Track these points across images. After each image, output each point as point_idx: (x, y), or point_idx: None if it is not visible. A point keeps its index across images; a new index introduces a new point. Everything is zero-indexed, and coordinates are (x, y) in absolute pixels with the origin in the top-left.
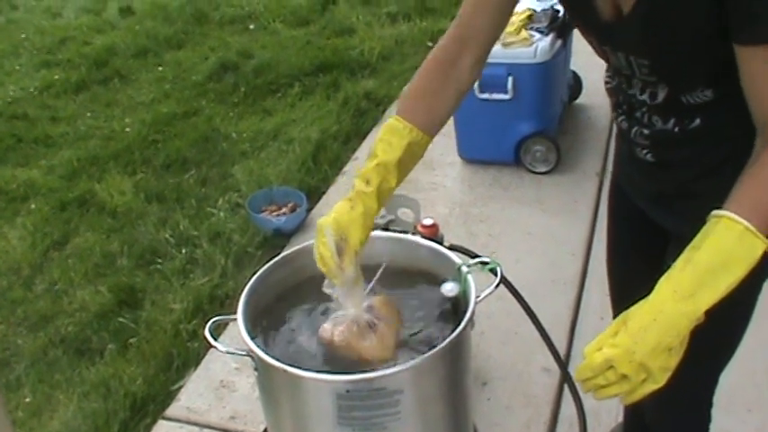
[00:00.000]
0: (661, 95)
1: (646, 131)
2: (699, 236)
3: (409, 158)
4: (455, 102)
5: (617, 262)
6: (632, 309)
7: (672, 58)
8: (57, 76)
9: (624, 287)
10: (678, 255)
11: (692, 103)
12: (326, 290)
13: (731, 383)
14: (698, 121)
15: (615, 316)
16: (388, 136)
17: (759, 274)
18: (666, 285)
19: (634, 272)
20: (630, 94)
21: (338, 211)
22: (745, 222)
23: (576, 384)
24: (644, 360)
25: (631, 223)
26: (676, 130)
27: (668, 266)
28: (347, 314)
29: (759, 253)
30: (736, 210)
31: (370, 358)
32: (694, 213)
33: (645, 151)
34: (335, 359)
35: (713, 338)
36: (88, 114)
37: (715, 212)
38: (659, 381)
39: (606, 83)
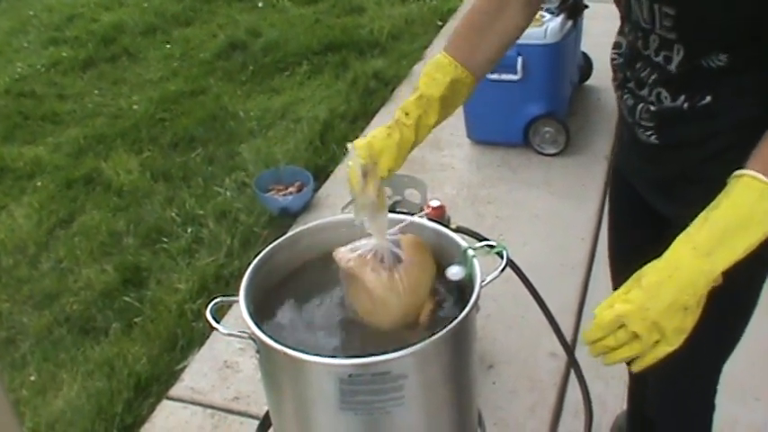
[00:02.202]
0: (675, 60)
1: (653, 108)
2: (719, 195)
3: (453, 96)
4: (502, 43)
5: (618, 252)
6: (647, 266)
7: (700, 7)
8: (64, 54)
9: (626, 278)
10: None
11: (706, 69)
12: (348, 213)
13: (739, 371)
14: (708, 98)
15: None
16: (432, 70)
17: (762, 261)
18: (683, 242)
19: (636, 263)
20: (644, 56)
21: (374, 136)
22: (767, 180)
23: (581, 368)
24: (658, 318)
25: (633, 213)
26: (685, 107)
27: None
28: (368, 243)
29: None
30: (759, 168)
31: (373, 297)
32: (698, 199)
33: (649, 132)
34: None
35: (716, 325)
36: (95, 92)
37: (736, 172)
38: (673, 342)
39: (613, 59)
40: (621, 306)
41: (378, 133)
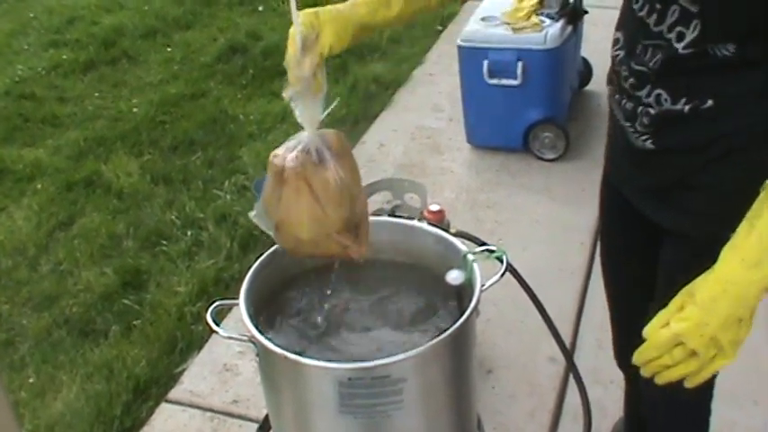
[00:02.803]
0: (688, 38)
1: (652, 112)
2: (757, 203)
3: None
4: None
5: (609, 257)
6: (697, 281)
7: None
8: (65, 56)
9: (620, 287)
10: (676, 252)
11: (711, 58)
12: (285, 94)
13: (738, 376)
14: (710, 102)
15: (612, 312)
16: None
17: None
18: (732, 254)
19: (627, 268)
20: (654, 33)
21: (326, 8)
22: None
23: (580, 373)
24: (715, 333)
25: (622, 218)
26: (686, 110)
27: (664, 263)
28: (300, 138)
29: None
30: None
31: (325, 195)
32: (695, 207)
33: (644, 137)
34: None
35: None
36: (96, 95)
37: None
38: (730, 356)
39: (614, 56)
40: (678, 325)
41: (331, 7)
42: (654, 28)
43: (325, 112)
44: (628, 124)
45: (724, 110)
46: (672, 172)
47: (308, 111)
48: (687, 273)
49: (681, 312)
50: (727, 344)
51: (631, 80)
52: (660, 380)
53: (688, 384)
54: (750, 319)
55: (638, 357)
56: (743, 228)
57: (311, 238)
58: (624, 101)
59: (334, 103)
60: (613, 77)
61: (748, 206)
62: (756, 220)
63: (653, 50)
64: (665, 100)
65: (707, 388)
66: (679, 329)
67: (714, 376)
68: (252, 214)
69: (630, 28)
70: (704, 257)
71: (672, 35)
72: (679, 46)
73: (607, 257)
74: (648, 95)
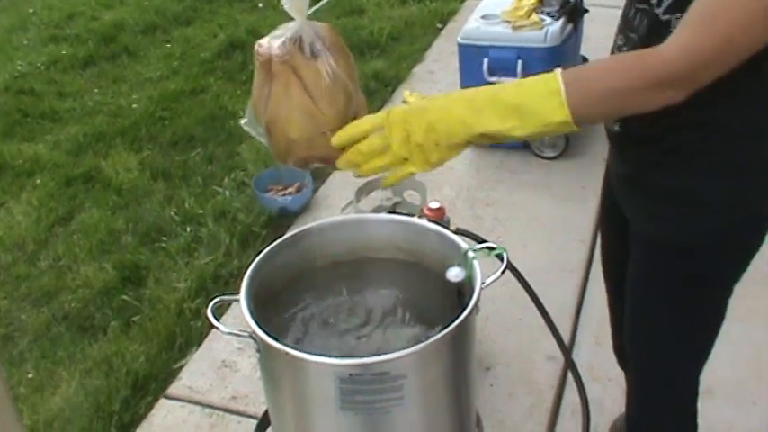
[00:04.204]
0: (666, 2)
1: None
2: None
3: None
4: None
5: (605, 256)
6: (437, 96)
7: None
8: (64, 52)
9: (616, 285)
10: (635, 245)
11: (669, 33)
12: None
13: (736, 376)
14: None
15: (610, 310)
16: None
17: (720, 276)
18: (469, 91)
19: (623, 270)
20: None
21: None
22: (563, 88)
23: (578, 371)
24: (413, 135)
25: (619, 219)
26: None
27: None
28: (288, 27)
29: (556, 120)
30: (567, 75)
31: (316, 88)
32: (641, 206)
33: (615, 124)
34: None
35: (682, 338)
36: (95, 90)
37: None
38: (418, 165)
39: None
40: (384, 118)
41: None
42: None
43: (320, 3)
44: None
45: (685, 102)
46: (632, 161)
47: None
48: (638, 273)
49: (396, 108)
50: (417, 154)
51: (624, 49)
52: (360, 171)
53: (384, 184)
54: (447, 153)
55: (340, 136)
56: (502, 84)
57: (303, 137)
58: None
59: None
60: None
61: (698, 216)
62: (509, 85)
63: (641, 15)
64: None
65: (686, 391)
66: (383, 121)
67: (692, 380)
68: (243, 122)
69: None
70: (652, 259)
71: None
72: (659, 11)
73: (605, 256)
74: None
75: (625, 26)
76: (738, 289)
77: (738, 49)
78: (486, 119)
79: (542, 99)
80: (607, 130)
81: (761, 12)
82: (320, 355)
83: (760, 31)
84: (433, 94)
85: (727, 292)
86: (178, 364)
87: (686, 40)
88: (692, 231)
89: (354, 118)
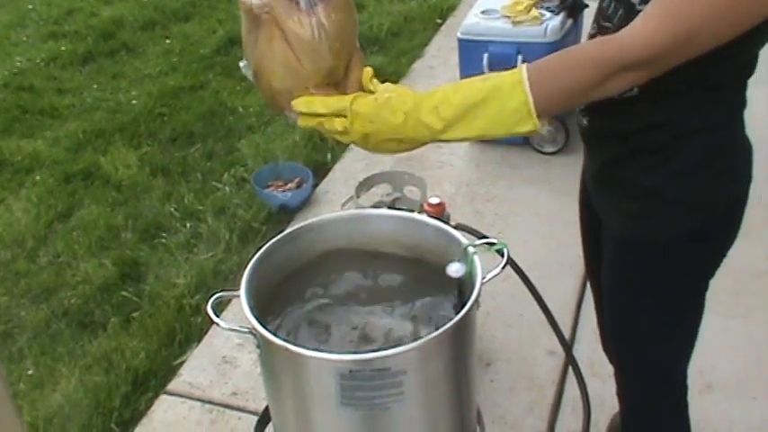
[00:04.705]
0: None
1: None
2: (505, 74)
3: None
4: None
5: (587, 256)
6: (399, 88)
7: None
8: (63, 48)
9: (598, 285)
10: (607, 243)
11: None
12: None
13: (736, 372)
14: (635, 89)
15: (596, 308)
16: None
17: (696, 272)
18: (439, 94)
19: (599, 258)
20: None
21: None
22: (530, 96)
23: (579, 366)
24: (370, 135)
25: (586, 210)
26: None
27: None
28: None
29: (522, 130)
30: (532, 68)
31: (297, 46)
32: (609, 203)
33: (583, 112)
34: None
35: (661, 334)
36: (94, 86)
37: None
38: (370, 151)
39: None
40: (355, 106)
41: None
42: None
43: None
44: None
45: (646, 101)
46: (598, 158)
47: None
48: (611, 271)
49: (363, 96)
50: (373, 143)
51: (597, 37)
52: (302, 122)
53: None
54: (409, 146)
55: (303, 107)
56: (471, 81)
57: (285, 89)
58: None
59: None
60: None
61: (665, 212)
62: (477, 82)
63: (616, 4)
64: None
65: (674, 386)
66: (347, 106)
67: (678, 373)
68: (242, 64)
69: None
70: (623, 257)
71: None
72: (635, 1)
73: (586, 255)
74: None
75: (599, 15)
76: (737, 286)
77: (701, 42)
78: (454, 127)
79: (509, 102)
80: (578, 123)
81: (724, 8)
82: (320, 350)
83: (723, 27)
84: (397, 87)
85: (701, 287)
86: (178, 361)
87: (649, 29)
88: (660, 229)
89: (346, 74)
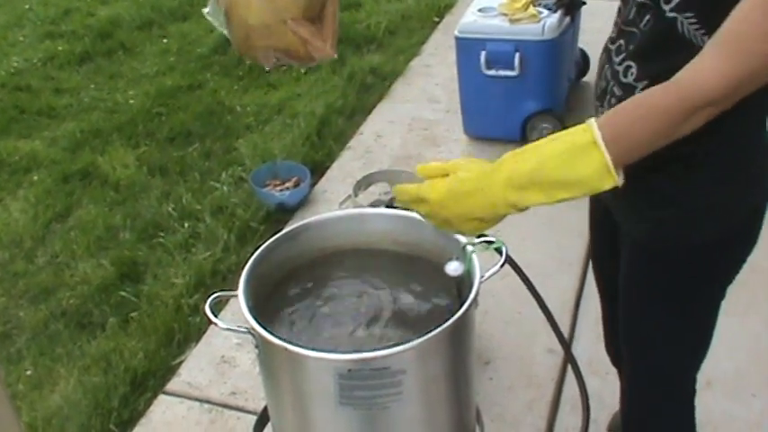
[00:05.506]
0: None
1: (617, 93)
2: (565, 133)
3: None
4: None
5: (595, 259)
6: (472, 162)
7: None
8: (60, 48)
9: (605, 286)
10: (626, 247)
11: (690, 46)
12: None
13: (736, 368)
14: None
15: (602, 309)
16: None
17: (712, 279)
18: (507, 166)
19: (611, 272)
20: None
21: None
22: (606, 154)
23: (578, 364)
24: (450, 218)
25: (607, 221)
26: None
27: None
28: None
29: (604, 186)
30: (606, 133)
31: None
32: (631, 209)
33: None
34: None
35: (675, 340)
36: (92, 86)
37: (589, 120)
38: (463, 231)
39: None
40: (426, 192)
41: None
42: None
43: None
44: (597, 104)
45: None
46: None
47: None
48: (629, 274)
49: (438, 182)
50: (457, 227)
51: (620, 42)
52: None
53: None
54: (494, 222)
55: (394, 191)
56: (532, 147)
57: (262, 24)
58: (602, 72)
59: None
60: (602, 54)
61: (688, 220)
62: (547, 146)
63: (642, 10)
64: (631, 74)
65: (684, 390)
66: (425, 196)
67: (689, 379)
68: (205, 10)
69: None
70: (643, 261)
71: None
72: (666, 8)
73: (593, 256)
74: (621, 63)
75: (620, 19)
76: (737, 283)
77: None
78: (530, 195)
79: (586, 167)
80: None
81: None
82: (319, 350)
83: None
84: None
85: (719, 294)
86: (177, 360)
87: (722, 69)
88: (681, 236)
89: (323, 8)
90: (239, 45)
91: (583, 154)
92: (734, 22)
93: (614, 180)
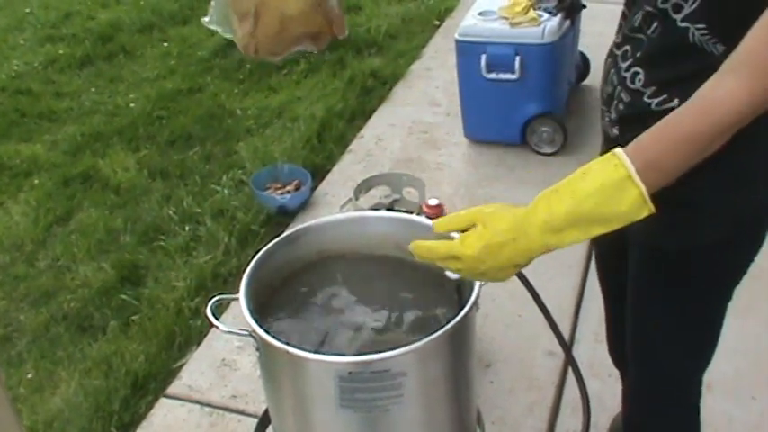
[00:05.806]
0: (686, 10)
1: (625, 98)
2: (593, 164)
3: None
4: None
5: (601, 262)
6: (500, 210)
7: None
8: (61, 51)
9: (610, 289)
10: (634, 248)
11: (702, 55)
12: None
13: (735, 370)
14: (676, 101)
15: (605, 312)
16: None
17: (719, 283)
18: (542, 210)
19: (617, 275)
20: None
21: None
22: (641, 186)
23: (578, 367)
24: (487, 272)
25: None
26: (653, 104)
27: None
28: None
29: (641, 216)
30: (639, 164)
31: None
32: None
33: (612, 122)
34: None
35: (684, 343)
36: (92, 90)
37: (616, 150)
38: (497, 279)
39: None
40: (460, 250)
41: None
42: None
43: None
44: (604, 108)
45: None
46: None
47: None
48: (637, 276)
49: (469, 237)
50: (491, 277)
51: (625, 48)
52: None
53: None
54: (527, 265)
55: (415, 248)
56: (567, 185)
57: (300, 11)
58: (608, 77)
59: None
60: (608, 59)
61: (700, 222)
62: (580, 184)
63: (649, 18)
64: (639, 80)
65: (690, 393)
66: (458, 253)
67: (695, 382)
68: (205, 20)
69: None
70: (651, 263)
71: (668, 5)
72: (677, 17)
73: (597, 255)
74: (628, 69)
75: (625, 25)
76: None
77: None
78: (567, 236)
79: (623, 203)
80: (605, 132)
81: None
82: (320, 353)
83: None
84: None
85: (726, 295)
86: (178, 364)
87: (747, 88)
88: (692, 238)
89: None
90: (266, 45)
91: (619, 190)
92: (754, 39)
93: (650, 209)
